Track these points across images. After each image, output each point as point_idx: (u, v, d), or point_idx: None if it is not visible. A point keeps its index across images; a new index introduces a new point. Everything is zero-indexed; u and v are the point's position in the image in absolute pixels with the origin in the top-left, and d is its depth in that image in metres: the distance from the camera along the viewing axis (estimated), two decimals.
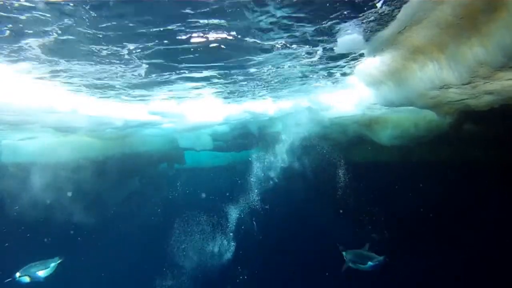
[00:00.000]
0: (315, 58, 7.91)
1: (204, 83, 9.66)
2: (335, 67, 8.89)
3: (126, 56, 6.80)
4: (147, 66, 7.53)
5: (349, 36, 6.29)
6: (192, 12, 4.96)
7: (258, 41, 6.39)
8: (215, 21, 5.34)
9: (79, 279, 16.81)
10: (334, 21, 5.66)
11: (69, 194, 15.15)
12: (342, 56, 7.81)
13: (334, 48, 7.03)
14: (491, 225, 13.75)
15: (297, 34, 6.16)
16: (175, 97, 11.34)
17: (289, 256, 18.12)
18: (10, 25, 5.02)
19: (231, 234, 17.93)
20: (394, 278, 14.95)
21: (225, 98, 12.04)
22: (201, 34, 5.89)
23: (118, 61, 7.07)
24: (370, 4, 5.06)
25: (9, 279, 10.06)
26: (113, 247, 18.79)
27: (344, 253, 11.56)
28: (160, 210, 23.57)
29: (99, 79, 8.37)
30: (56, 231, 15.77)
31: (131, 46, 6.24)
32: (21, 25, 5.06)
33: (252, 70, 8.60)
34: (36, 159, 14.11)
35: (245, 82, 10.06)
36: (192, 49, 6.56)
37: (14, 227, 14.62)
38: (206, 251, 17.29)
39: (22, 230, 14.91)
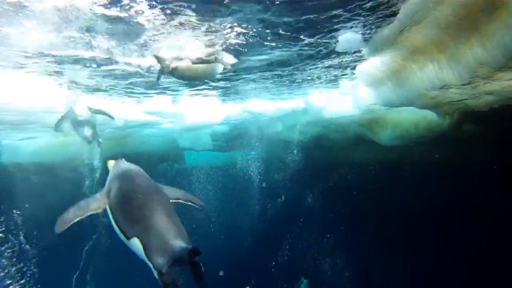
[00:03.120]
0: (315, 57, 7.91)
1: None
2: (335, 67, 8.89)
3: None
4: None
5: (349, 35, 6.30)
6: None
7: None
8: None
9: None
10: (334, 20, 5.66)
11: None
12: (341, 55, 7.80)
13: (334, 47, 7.02)
14: (492, 225, 13.73)
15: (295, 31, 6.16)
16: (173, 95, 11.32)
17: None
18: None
19: None
20: (394, 278, 14.96)
21: (224, 96, 12.03)
22: None
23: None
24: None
25: None
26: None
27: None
28: None
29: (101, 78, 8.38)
30: None
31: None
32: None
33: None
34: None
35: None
36: None
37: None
38: None
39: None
